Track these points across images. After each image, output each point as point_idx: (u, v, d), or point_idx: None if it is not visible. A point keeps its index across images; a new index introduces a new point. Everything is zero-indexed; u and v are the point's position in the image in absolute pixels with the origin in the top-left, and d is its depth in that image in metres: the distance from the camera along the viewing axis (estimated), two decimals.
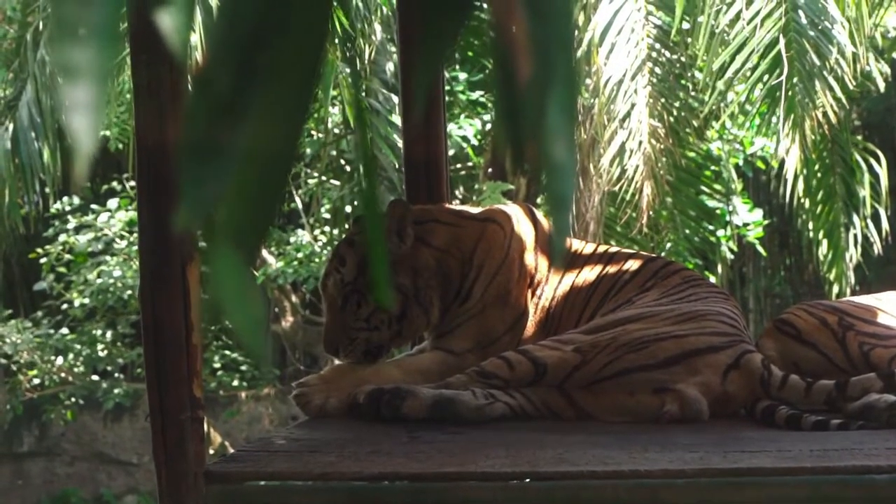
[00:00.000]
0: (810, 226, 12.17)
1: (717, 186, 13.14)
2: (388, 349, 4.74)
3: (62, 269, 14.87)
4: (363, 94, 10.34)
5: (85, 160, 1.24)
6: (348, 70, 10.48)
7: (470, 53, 13.23)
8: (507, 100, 1.35)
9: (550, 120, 1.33)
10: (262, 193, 1.32)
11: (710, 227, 13.03)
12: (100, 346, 15.28)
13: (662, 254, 11.58)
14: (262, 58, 1.31)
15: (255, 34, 1.32)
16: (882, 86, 11.26)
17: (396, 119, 11.27)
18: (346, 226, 12.67)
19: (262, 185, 1.32)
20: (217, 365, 15.38)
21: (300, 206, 14.77)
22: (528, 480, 3.57)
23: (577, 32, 11.04)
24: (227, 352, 15.49)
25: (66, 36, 1.23)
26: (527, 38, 1.33)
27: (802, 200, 12.02)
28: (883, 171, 12.16)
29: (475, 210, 5.08)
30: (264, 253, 14.55)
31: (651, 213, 11.06)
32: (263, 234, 1.35)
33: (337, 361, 4.76)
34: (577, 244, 4.99)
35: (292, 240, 14.50)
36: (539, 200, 11.55)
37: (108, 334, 15.29)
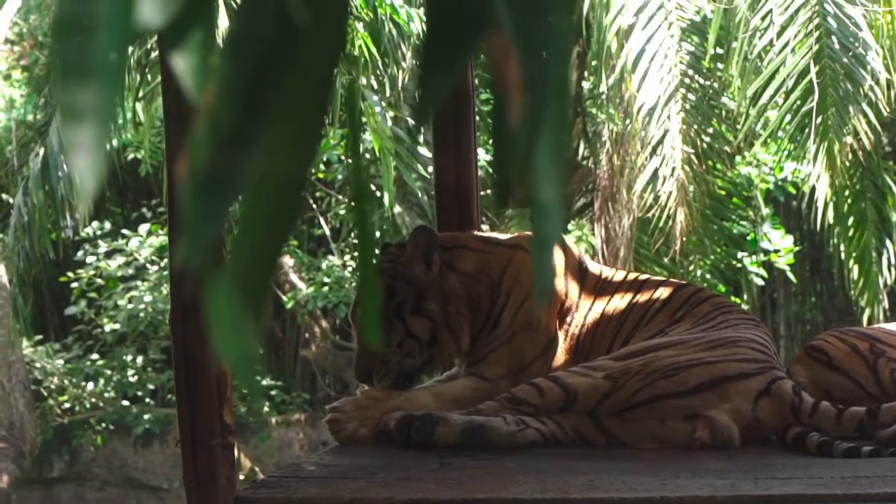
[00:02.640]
0: (841, 251, 12.12)
1: (746, 212, 13.10)
2: (420, 375, 4.73)
3: (93, 295, 14.92)
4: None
5: (87, 200, 1.24)
6: (376, 97, 10.48)
7: None
8: (500, 138, 1.36)
9: (539, 161, 1.34)
10: (266, 232, 1.32)
11: (740, 254, 12.98)
12: (130, 372, 15.31)
13: (692, 279, 11.54)
14: (270, 89, 1.31)
15: (264, 64, 1.32)
16: None
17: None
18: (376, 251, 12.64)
19: (267, 223, 1.32)
20: (247, 390, 15.38)
21: (328, 232, 14.78)
22: None
23: (610, 59, 11.05)
24: (258, 377, 15.47)
25: (68, 76, 1.22)
26: (520, 79, 1.33)
27: (833, 225, 11.97)
28: None
29: (504, 236, 5.07)
30: (294, 278, 14.56)
31: (683, 238, 11.03)
32: (266, 275, 1.34)
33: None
34: (607, 271, 4.98)
35: (322, 265, 14.52)
36: (569, 227, 11.54)
37: (139, 360, 15.33)
